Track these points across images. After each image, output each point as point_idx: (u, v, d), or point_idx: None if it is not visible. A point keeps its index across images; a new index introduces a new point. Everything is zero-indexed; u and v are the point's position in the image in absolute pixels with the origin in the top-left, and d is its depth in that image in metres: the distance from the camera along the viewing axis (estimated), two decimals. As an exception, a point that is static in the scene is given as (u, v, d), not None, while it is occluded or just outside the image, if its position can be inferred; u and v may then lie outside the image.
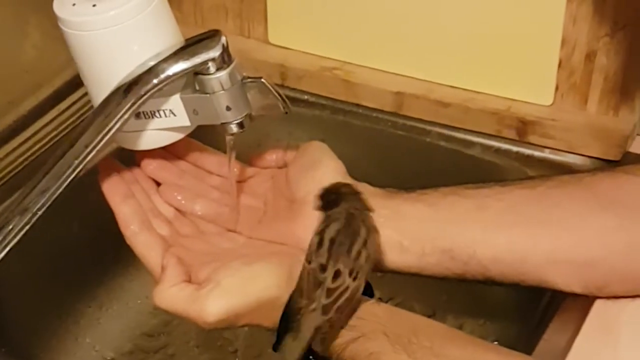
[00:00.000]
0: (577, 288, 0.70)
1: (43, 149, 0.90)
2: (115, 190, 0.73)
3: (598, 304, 0.71)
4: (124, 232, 0.72)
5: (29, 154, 0.89)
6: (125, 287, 0.96)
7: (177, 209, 0.76)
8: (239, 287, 0.67)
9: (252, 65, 0.97)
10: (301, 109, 0.97)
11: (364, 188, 0.74)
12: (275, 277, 0.68)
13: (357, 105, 0.96)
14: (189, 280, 0.69)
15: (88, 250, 0.92)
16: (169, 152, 0.77)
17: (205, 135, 0.78)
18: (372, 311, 0.67)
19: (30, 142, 0.90)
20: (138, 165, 0.77)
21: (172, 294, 0.67)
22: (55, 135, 0.92)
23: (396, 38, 0.94)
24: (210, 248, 0.73)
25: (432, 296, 0.93)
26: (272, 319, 0.67)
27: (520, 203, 0.72)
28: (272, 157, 0.79)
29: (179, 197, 0.76)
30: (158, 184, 0.77)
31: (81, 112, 0.93)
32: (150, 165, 0.76)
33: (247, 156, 0.80)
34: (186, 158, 0.79)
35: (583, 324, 0.70)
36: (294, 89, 0.98)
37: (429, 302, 0.94)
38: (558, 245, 0.69)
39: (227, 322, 0.67)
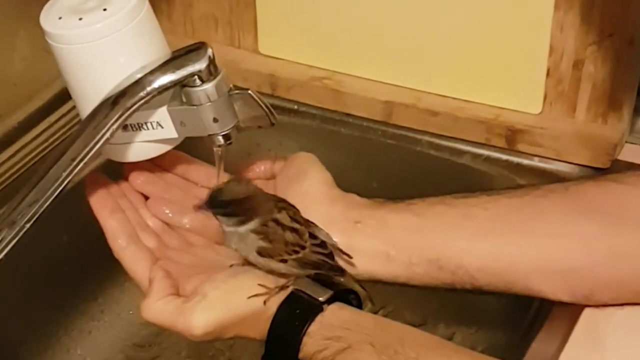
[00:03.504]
0: (563, 296, 0.70)
1: (32, 162, 0.90)
2: (103, 204, 0.74)
3: (586, 312, 0.71)
4: (112, 246, 0.73)
5: (18, 166, 0.89)
6: (116, 298, 0.96)
7: (165, 222, 0.76)
8: (226, 300, 0.67)
9: (242, 75, 0.97)
10: (291, 118, 0.97)
11: (351, 199, 0.74)
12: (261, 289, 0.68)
13: (347, 114, 0.96)
14: (177, 293, 0.69)
15: (79, 261, 0.91)
16: (156, 165, 0.77)
17: (195, 147, 0.78)
18: (359, 322, 0.67)
19: (19, 155, 0.90)
20: (126, 178, 0.77)
21: (159, 307, 0.67)
22: (45, 148, 0.91)
23: (385, 47, 0.94)
24: (198, 261, 0.74)
25: (423, 305, 0.93)
26: (260, 330, 0.67)
27: (507, 212, 0.72)
28: (260, 168, 0.79)
29: (167, 211, 0.76)
30: (146, 197, 0.77)
31: (71, 124, 0.93)
32: (138, 179, 0.77)
33: (236, 167, 0.80)
34: (174, 170, 0.79)
35: (571, 332, 0.70)
36: (284, 99, 0.97)
37: (420, 311, 0.93)
38: (543, 254, 0.70)
39: (214, 335, 0.67)
